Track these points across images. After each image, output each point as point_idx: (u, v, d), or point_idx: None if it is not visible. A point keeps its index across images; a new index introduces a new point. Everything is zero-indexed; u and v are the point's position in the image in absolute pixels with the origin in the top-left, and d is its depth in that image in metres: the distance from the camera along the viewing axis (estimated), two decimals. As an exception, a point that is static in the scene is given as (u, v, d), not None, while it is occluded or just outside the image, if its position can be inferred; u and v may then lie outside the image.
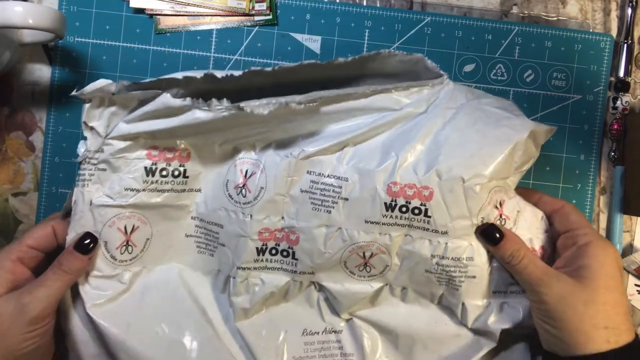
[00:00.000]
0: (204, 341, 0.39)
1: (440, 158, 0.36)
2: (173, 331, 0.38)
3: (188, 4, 0.43)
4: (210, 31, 0.44)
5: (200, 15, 0.44)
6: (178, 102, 0.34)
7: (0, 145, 0.44)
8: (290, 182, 0.37)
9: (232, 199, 0.38)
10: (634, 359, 0.34)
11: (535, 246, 0.38)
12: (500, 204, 0.38)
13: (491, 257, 0.38)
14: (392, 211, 0.36)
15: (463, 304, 0.39)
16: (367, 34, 0.44)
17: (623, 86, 0.46)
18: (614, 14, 0.46)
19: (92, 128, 0.36)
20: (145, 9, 0.43)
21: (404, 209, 0.36)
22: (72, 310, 0.37)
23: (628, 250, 0.47)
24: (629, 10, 0.46)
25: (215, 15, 0.44)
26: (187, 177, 0.38)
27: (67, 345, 0.38)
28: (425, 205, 0.36)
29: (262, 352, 0.39)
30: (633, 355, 0.34)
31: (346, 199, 0.36)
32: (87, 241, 0.35)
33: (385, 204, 0.36)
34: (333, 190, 0.36)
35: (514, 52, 0.45)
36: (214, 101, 0.34)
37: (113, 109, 0.36)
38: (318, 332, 0.40)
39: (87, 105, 0.35)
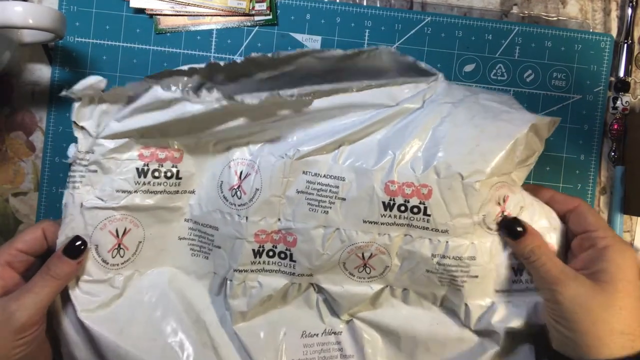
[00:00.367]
0: (199, 346, 0.37)
1: (438, 155, 0.34)
2: (167, 336, 0.36)
3: (188, 4, 0.43)
4: (210, 31, 0.43)
5: (201, 15, 0.43)
6: (168, 94, 0.32)
7: (0, 145, 0.43)
8: (286, 183, 0.35)
9: (227, 200, 0.36)
10: None
11: None
12: (504, 200, 0.36)
13: (494, 255, 0.37)
14: (391, 210, 0.35)
15: (466, 304, 0.37)
16: (367, 34, 0.43)
17: (623, 86, 0.45)
18: (614, 14, 0.46)
19: (82, 128, 0.34)
20: (145, 9, 0.43)
21: (402, 208, 0.35)
22: (63, 315, 0.35)
23: (628, 250, 0.47)
24: (629, 10, 0.45)
25: (215, 15, 0.42)
26: (180, 178, 0.37)
27: (61, 350, 0.36)
28: (424, 204, 0.34)
29: (260, 354, 0.37)
30: None
31: (343, 199, 0.35)
32: (77, 245, 0.34)
33: (384, 203, 0.35)
34: (330, 191, 0.35)
35: (514, 52, 0.44)
36: (205, 92, 0.32)
37: (104, 107, 0.34)
38: (317, 334, 0.39)
39: (77, 104, 0.34)
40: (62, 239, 0.34)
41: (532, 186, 0.40)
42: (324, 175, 0.35)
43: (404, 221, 0.35)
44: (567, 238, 0.38)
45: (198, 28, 0.43)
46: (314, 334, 0.39)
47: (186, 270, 0.39)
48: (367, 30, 0.44)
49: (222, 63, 0.35)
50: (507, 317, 0.37)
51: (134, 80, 0.36)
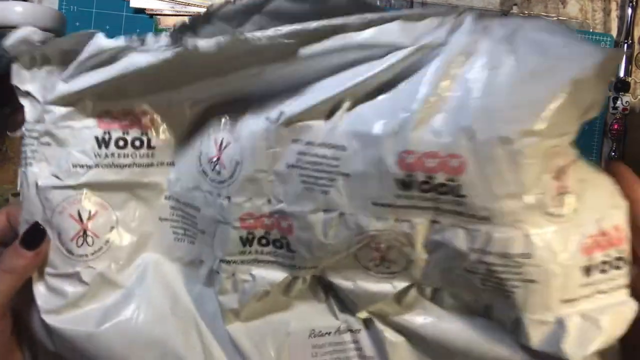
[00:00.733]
0: (188, 349, 0.30)
1: (471, 112, 0.24)
2: (152, 340, 0.30)
3: (188, 4, 0.43)
4: (210, 32, 0.44)
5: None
6: (111, 42, 0.26)
7: (1, 145, 0.42)
8: (272, 155, 0.27)
9: (207, 176, 0.29)
10: None
11: (607, 227, 0.26)
12: (561, 173, 0.25)
13: (559, 252, 0.26)
14: (409, 190, 0.25)
15: (519, 319, 0.27)
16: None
17: (623, 86, 0.45)
18: (614, 14, 0.46)
19: (27, 93, 0.29)
20: (145, 9, 0.43)
21: (425, 187, 0.25)
22: (32, 312, 0.30)
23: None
24: (629, 10, 0.45)
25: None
26: (153, 147, 0.30)
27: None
28: (455, 181, 0.24)
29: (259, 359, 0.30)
30: None
31: (346, 175, 0.26)
32: (32, 233, 0.28)
33: (398, 180, 0.25)
34: (328, 164, 0.26)
35: (514, 52, 0.45)
36: (150, 37, 0.26)
37: (48, 67, 0.29)
38: (330, 333, 0.31)
39: (15, 64, 0.28)
40: (23, 226, 0.29)
41: None
42: (320, 144, 0.26)
43: (428, 204, 0.26)
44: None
45: (198, 28, 0.43)
46: (325, 333, 0.31)
47: (170, 257, 0.32)
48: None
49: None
50: (581, 338, 0.26)
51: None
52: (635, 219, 0.28)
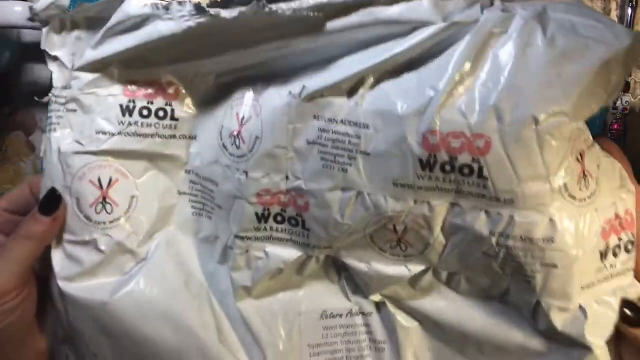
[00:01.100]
0: (200, 328, 0.30)
1: (500, 91, 0.23)
2: (167, 314, 0.29)
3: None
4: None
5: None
6: (137, 9, 0.26)
7: (0, 145, 0.41)
8: (292, 130, 0.26)
9: (227, 150, 0.28)
10: None
11: (621, 212, 0.26)
12: (581, 156, 0.25)
13: (582, 237, 0.25)
14: (431, 171, 0.24)
15: (539, 303, 0.26)
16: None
17: (623, 86, 0.46)
18: (614, 14, 0.46)
19: (56, 58, 0.28)
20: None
21: (447, 168, 0.24)
22: (52, 279, 0.29)
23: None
24: (629, 10, 0.45)
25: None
26: (177, 119, 0.29)
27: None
28: (479, 162, 0.24)
29: (269, 339, 0.29)
30: None
31: (367, 154, 0.25)
32: (50, 198, 0.28)
33: (421, 160, 0.24)
34: (349, 142, 0.26)
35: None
36: (175, 5, 0.25)
37: (77, 32, 0.28)
38: (341, 315, 0.31)
39: (45, 29, 0.28)
40: (43, 193, 0.29)
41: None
42: (342, 122, 0.26)
43: (450, 186, 0.25)
44: None
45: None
46: (337, 315, 0.31)
47: (186, 231, 0.31)
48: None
49: None
50: (599, 325, 0.26)
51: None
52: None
